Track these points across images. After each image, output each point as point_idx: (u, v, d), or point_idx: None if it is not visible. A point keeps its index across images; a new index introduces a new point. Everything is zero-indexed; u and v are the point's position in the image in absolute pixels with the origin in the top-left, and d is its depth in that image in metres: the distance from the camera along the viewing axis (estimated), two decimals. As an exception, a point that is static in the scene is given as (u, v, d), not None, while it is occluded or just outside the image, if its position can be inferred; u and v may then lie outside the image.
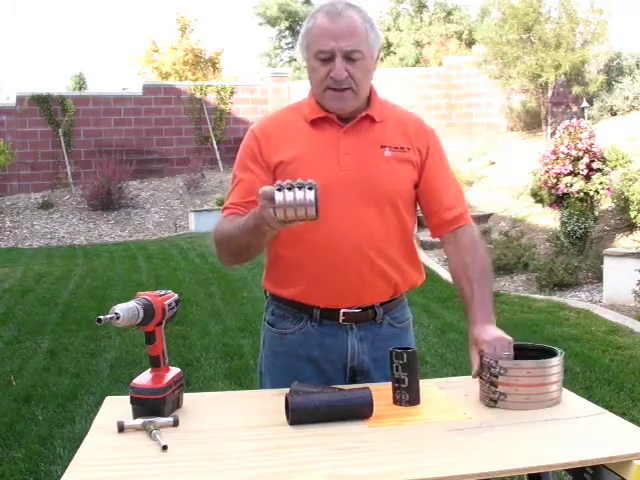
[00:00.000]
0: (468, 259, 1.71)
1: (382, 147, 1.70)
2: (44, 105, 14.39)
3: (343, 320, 1.72)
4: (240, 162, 1.76)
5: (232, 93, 15.60)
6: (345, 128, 1.70)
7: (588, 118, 11.12)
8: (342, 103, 1.67)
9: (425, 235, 5.99)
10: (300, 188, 1.38)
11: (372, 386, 1.50)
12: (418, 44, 24.32)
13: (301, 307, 1.73)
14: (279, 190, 1.38)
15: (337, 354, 1.73)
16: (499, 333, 1.57)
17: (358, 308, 1.72)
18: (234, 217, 1.68)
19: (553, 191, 7.98)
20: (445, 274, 7.84)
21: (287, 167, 1.68)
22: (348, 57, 1.62)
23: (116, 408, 1.51)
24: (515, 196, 10.22)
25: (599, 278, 6.55)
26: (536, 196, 8.77)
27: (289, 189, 1.38)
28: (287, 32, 31.19)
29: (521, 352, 1.56)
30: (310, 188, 1.39)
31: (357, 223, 1.66)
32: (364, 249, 1.67)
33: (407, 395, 1.51)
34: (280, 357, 1.78)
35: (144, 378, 1.48)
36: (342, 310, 1.71)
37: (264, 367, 1.84)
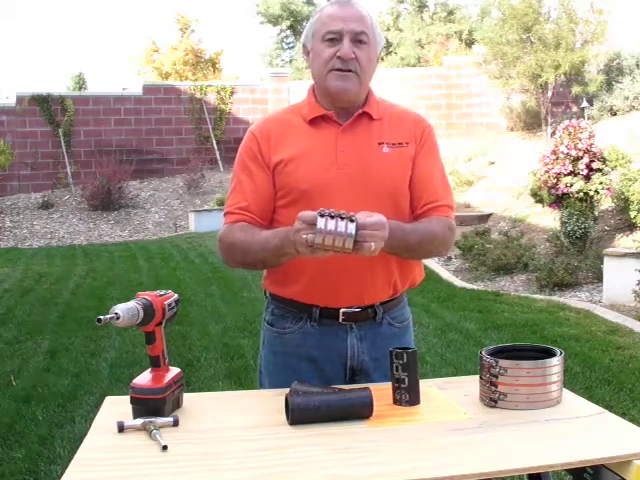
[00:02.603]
0: (425, 221, 1.70)
1: (380, 144, 1.71)
2: (44, 105, 14.40)
3: (343, 319, 1.72)
4: (240, 163, 1.76)
5: (232, 93, 15.60)
6: (343, 126, 1.70)
7: (588, 118, 11.12)
8: (346, 84, 1.67)
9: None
10: (342, 218, 1.39)
11: (372, 386, 1.50)
12: (419, 44, 24.33)
13: (301, 306, 1.73)
14: (321, 216, 1.39)
15: (337, 353, 1.73)
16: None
17: (358, 307, 1.72)
18: (246, 227, 1.69)
19: (553, 191, 7.98)
20: (445, 274, 7.85)
21: (286, 166, 1.69)
22: (356, 40, 1.65)
23: (116, 408, 1.51)
24: (515, 196, 10.22)
25: (599, 278, 6.55)
26: (536, 196, 8.77)
27: (331, 217, 1.39)
28: (288, 31, 31.20)
29: (521, 352, 1.57)
30: (352, 220, 1.40)
31: None
32: None
33: (407, 395, 1.51)
34: (279, 356, 1.78)
35: (144, 378, 1.48)
36: (342, 309, 1.71)
37: (263, 367, 1.84)
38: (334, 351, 1.73)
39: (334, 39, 1.65)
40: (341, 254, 1.43)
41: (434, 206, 1.72)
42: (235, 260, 1.73)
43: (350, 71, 1.66)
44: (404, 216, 1.73)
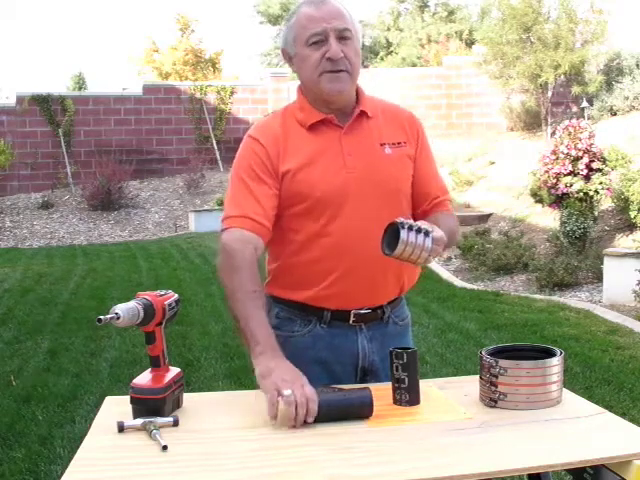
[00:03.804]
0: (440, 216, 1.76)
1: (382, 145, 1.70)
2: (44, 105, 14.40)
3: (354, 321, 1.71)
4: (248, 169, 1.66)
5: (232, 93, 15.61)
6: (344, 129, 1.69)
7: (588, 118, 11.12)
8: (339, 85, 1.65)
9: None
10: (420, 231, 1.45)
11: (372, 386, 1.50)
12: (420, 43, 24.33)
13: (311, 310, 1.71)
14: (403, 227, 1.44)
15: (348, 355, 1.73)
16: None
17: (368, 308, 1.72)
18: (251, 258, 1.58)
19: (553, 191, 7.98)
20: (445, 274, 7.85)
21: (295, 175, 1.64)
22: (340, 37, 1.63)
23: (116, 408, 1.51)
24: (515, 196, 10.22)
25: (599, 278, 6.55)
26: (536, 196, 8.77)
27: (410, 229, 1.44)
28: (287, 32, 31.17)
29: (521, 352, 1.57)
30: (427, 234, 1.46)
31: (369, 223, 1.64)
32: (376, 249, 1.62)
33: (407, 395, 1.50)
34: None
35: (144, 378, 1.48)
36: (353, 311, 1.70)
37: None
38: (345, 353, 1.72)
39: (319, 41, 1.62)
40: (403, 262, 1.49)
41: (439, 201, 1.80)
42: (223, 283, 1.63)
43: (341, 71, 1.64)
44: (404, 214, 1.73)
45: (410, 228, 1.44)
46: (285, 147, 1.68)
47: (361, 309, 1.71)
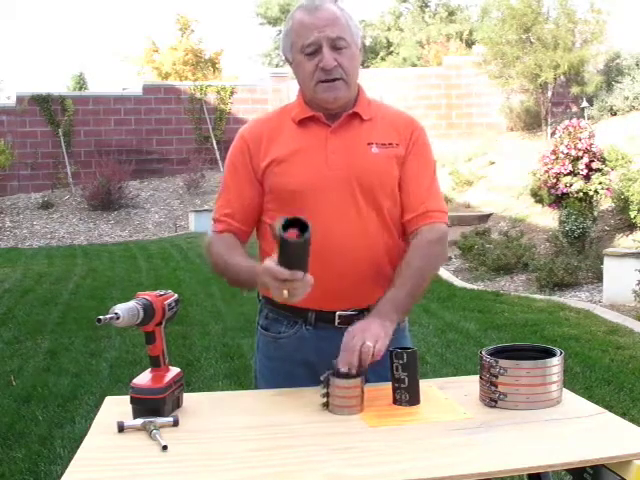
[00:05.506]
0: (411, 256, 1.67)
1: (369, 144, 1.68)
2: (44, 105, 14.40)
3: (339, 323, 1.69)
4: (229, 166, 1.75)
5: (232, 93, 15.61)
6: (332, 127, 1.69)
7: (588, 118, 11.12)
8: (335, 93, 1.65)
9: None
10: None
11: (372, 386, 1.50)
12: (420, 44, 24.34)
13: (295, 310, 1.69)
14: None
15: (334, 357, 1.71)
16: (372, 330, 1.53)
17: (354, 310, 1.70)
18: (228, 240, 1.71)
19: (553, 191, 7.98)
20: (445, 274, 7.85)
21: (276, 167, 1.67)
22: (334, 46, 1.62)
23: (116, 408, 1.51)
24: (515, 196, 10.22)
25: (599, 278, 6.55)
26: (536, 196, 8.78)
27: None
28: (287, 32, 31.18)
29: (521, 352, 1.57)
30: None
31: (349, 222, 1.64)
32: (358, 248, 1.65)
33: (407, 395, 1.50)
34: (275, 362, 1.76)
35: (144, 378, 1.48)
36: (338, 313, 1.69)
37: (258, 372, 1.82)
38: (331, 356, 1.70)
39: (313, 51, 1.62)
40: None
41: (421, 213, 1.69)
42: (219, 274, 1.75)
43: (336, 79, 1.63)
44: (394, 216, 1.71)
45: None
46: (271, 141, 1.69)
47: (346, 311, 1.69)
